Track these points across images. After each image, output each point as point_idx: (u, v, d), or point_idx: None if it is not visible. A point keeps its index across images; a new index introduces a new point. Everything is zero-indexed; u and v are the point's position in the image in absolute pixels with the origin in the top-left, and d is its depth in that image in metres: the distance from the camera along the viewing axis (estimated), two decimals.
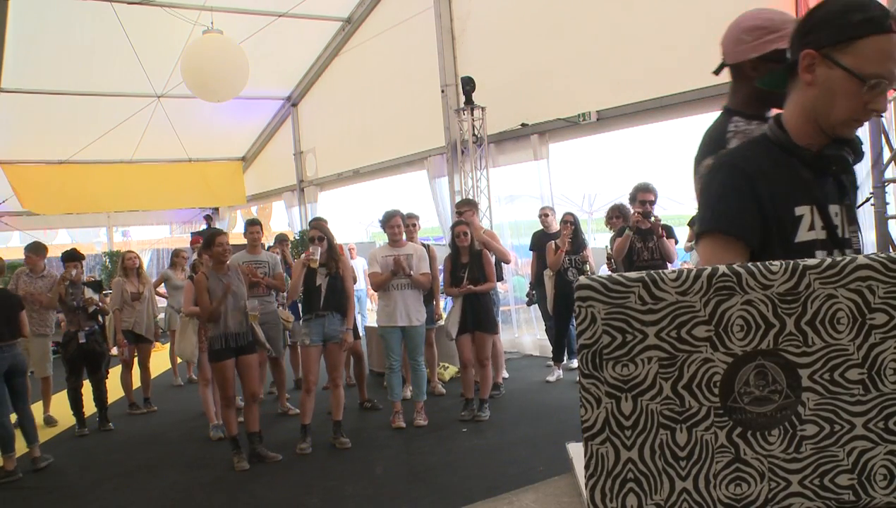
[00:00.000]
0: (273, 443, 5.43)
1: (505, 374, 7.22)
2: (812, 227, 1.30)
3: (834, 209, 1.32)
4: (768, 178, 1.29)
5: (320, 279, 5.45)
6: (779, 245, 1.29)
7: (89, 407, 6.57)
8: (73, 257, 6.62)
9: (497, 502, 1.02)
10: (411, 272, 5.82)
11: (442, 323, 6.68)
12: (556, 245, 7.07)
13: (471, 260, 5.98)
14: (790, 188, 1.29)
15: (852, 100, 1.23)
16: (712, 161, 1.38)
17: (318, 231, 5.51)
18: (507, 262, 7.37)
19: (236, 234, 12.95)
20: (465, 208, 6.69)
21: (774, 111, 1.49)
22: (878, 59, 1.20)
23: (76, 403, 6.44)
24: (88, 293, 6.51)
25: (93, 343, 6.42)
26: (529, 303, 8.14)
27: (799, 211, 1.29)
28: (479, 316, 5.93)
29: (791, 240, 1.30)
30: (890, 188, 4.61)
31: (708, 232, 1.32)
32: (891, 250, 4.51)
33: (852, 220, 1.35)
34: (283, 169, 13.21)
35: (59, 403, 7.04)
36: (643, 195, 5.90)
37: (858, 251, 1.33)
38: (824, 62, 1.24)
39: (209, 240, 5.30)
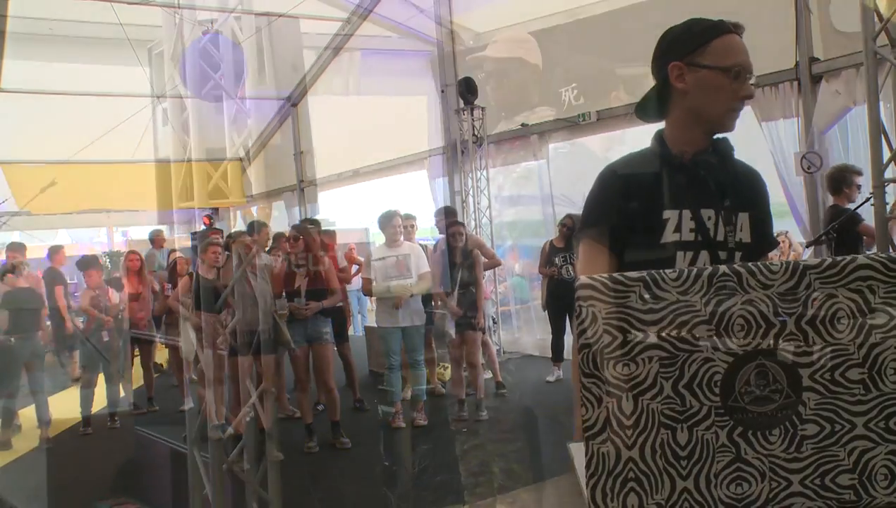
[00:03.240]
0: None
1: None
2: (677, 230, 1.44)
3: (707, 213, 1.46)
4: (641, 186, 1.47)
5: (299, 281, 5.43)
6: (646, 245, 1.44)
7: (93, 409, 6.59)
8: (89, 265, 6.69)
9: (497, 502, 1.02)
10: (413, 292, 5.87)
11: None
12: (553, 244, 7.10)
13: (462, 261, 5.95)
14: (661, 194, 1.46)
15: (723, 92, 1.43)
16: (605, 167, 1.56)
17: (294, 231, 5.52)
18: (498, 265, 7.47)
19: None
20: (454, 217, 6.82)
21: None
22: (729, 53, 1.43)
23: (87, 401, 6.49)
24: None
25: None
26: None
27: (667, 215, 1.45)
28: (467, 315, 5.92)
29: (657, 240, 1.45)
30: (890, 188, 4.58)
31: (582, 235, 1.53)
32: (891, 250, 4.50)
33: (727, 222, 1.47)
34: (283, 169, 13.19)
35: (63, 400, 7.07)
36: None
37: (735, 249, 1.46)
38: (689, 69, 1.45)
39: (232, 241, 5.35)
